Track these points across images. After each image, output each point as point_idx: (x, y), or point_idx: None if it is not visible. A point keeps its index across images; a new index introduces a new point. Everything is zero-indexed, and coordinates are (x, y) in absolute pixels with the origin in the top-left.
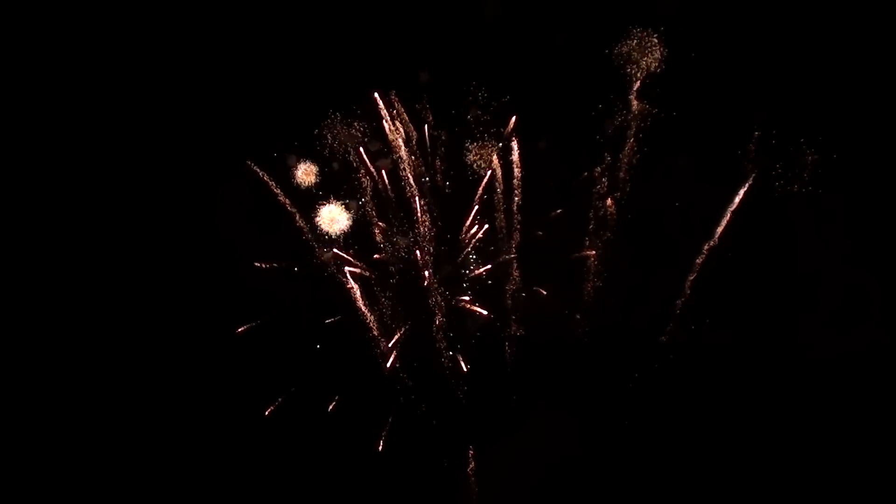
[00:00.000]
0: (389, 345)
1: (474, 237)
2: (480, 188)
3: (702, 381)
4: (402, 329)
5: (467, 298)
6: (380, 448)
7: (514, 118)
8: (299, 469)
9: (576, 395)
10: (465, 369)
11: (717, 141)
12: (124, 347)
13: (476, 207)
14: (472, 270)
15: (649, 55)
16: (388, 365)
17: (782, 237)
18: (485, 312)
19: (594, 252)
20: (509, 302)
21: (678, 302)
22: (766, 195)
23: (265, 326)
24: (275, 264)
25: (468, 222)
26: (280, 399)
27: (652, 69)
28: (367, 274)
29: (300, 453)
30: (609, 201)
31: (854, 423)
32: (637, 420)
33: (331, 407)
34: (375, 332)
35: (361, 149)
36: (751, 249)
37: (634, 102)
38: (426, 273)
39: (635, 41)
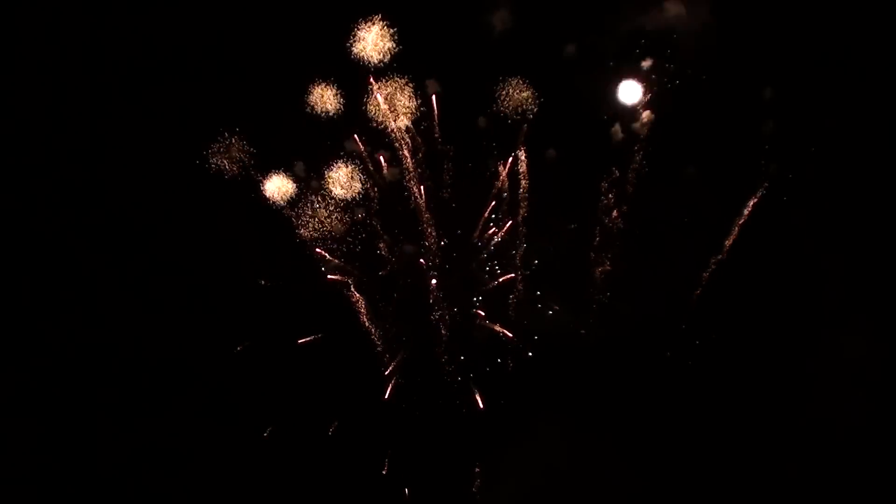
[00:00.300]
0: (388, 371)
1: (482, 250)
2: (490, 200)
3: (706, 396)
4: (403, 352)
5: (482, 314)
6: (384, 472)
7: (524, 127)
8: (301, 494)
9: (581, 411)
10: (481, 405)
11: (725, 154)
12: (121, 366)
13: (483, 220)
14: (483, 283)
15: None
16: (387, 395)
17: (791, 251)
18: (506, 333)
19: (601, 269)
20: (513, 314)
21: (685, 315)
22: (775, 208)
23: (264, 344)
24: (279, 282)
25: (476, 235)
26: (280, 420)
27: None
28: (357, 278)
29: (302, 478)
30: (615, 213)
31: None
32: (642, 434)
33: (331, 429)
34: (380, 348)
35: (368, 160)
36: (759, 263)
37: (642, 115)
38: (432, 283)
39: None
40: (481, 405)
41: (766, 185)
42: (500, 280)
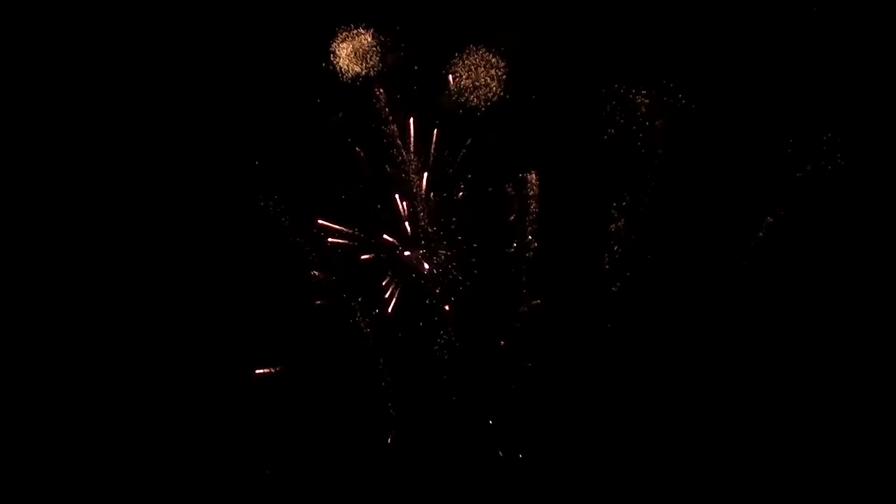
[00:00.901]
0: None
1: (496, 273)
2: (500, 220)
3: (716, 417)
4: (410, 390)
5: (503, 343)
6: None
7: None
8: None
9: (584, 441)
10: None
11: (733, 180)
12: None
13: (492, 247)
14: (501, 310)
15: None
16: (389, 440)
17: (803, 280)
18: (528, 364)
19: (609, 296)
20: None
21: (691, 348)
22: (785, 236)
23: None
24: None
25: (489, 255)
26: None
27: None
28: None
29: None
30: (621, 233)
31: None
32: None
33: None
34: (384, 383)
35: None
36: (774, 285)
37: (651, 141)
38: (445, 308)
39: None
40: (500, 453)
41: (785, 203)
42: (527, 306)
